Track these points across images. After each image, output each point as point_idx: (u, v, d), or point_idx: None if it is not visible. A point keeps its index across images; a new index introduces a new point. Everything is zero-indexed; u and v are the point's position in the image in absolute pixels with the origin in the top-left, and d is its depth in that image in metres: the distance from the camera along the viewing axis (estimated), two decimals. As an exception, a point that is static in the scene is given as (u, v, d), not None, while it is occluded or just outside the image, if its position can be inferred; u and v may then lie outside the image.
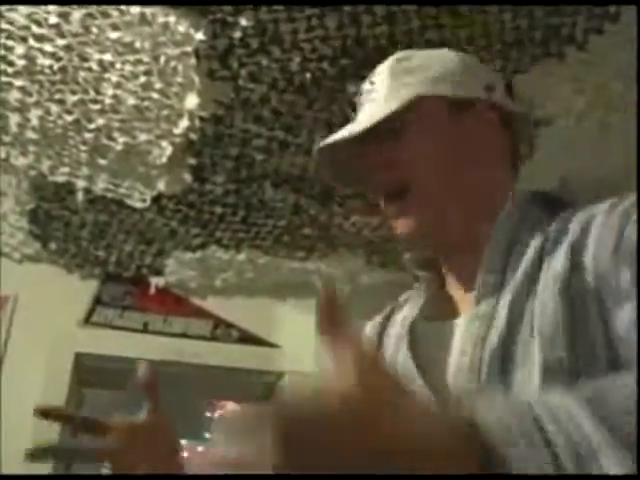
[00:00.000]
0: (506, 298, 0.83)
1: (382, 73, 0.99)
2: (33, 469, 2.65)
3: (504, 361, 0.79)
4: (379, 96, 0.97)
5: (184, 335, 3.09)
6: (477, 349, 0.81)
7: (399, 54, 1.01)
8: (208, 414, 6.02)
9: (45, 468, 2.67)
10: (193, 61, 1.99)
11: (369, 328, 1.10)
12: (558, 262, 0.81)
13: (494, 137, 0.97)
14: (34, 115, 2.24)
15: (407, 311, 1.03)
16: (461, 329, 0.88)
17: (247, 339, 3.14)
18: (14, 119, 2.26)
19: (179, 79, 2.05)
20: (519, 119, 1.01)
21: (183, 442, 7.16)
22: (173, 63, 2.00)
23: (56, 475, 2.60)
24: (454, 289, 0.99)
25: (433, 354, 0.90)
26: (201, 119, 2.20)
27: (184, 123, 2.19)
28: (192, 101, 2.10)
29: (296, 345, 3.19)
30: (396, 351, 0.98)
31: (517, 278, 0.84)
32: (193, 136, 2.26)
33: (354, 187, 1.12)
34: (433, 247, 1.00)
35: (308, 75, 2.02)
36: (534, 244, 0.86)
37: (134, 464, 1.07)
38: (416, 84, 0.95)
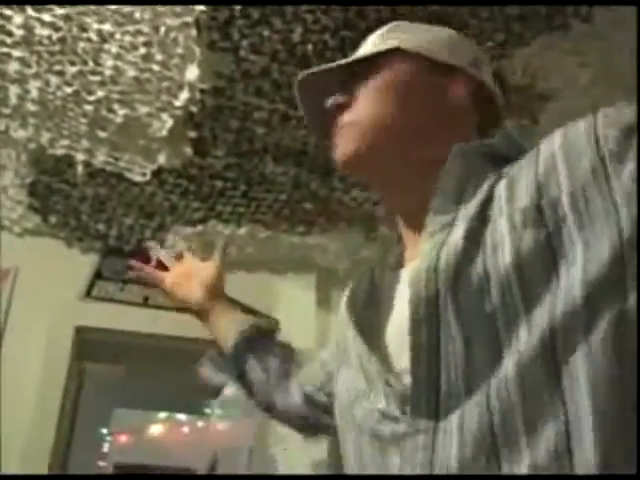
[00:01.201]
0: (456, 231, 0.80)
1: (372, 36, 1.05)
2: (31, 469, 2.67)
3: (454, 291, 0.76)
4: (363, 49, 1.03)
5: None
6: (428, 280, 0.78)
7: (393, 23, 1.06)
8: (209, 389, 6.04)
9: (45, 468, 2.69)
10: (194, 32, 1.97)
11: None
12: (515, 193, 0.78)
13: (460, 110, 0.97)
14: (33, 87, 2.22)
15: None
16: (406, 272, 0.89)
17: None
18: (13, 91, 2.24)
19: (179, 50, 2.03)
20: (493, 109, 1.01)
21: (183, 417, 7.22)
22: (173, 34, 1.98)
23: (56, 475, 2.61)
24: (406, 238, 1.00)
25: (376, 311, 0.93)
26: (202, 91, 2.18)
27: (184, 95, 2.18)
28: (193, 73, 2.08)
29: (296, 319, 3.19)
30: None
31: (466, 215, 0.81)
32: (193, 109, 2.25)
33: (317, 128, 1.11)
34: (369, 181, 1.05)
35: (310, 47, 2.00)
36: (486, 184, 0.84)
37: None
38: (399, 38, 0.99)
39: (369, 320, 0.93)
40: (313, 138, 2.40)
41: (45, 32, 2.00)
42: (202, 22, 1.94)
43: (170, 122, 2.30)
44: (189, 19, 1.93)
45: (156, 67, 2.09)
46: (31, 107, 2.31)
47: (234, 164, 2.56)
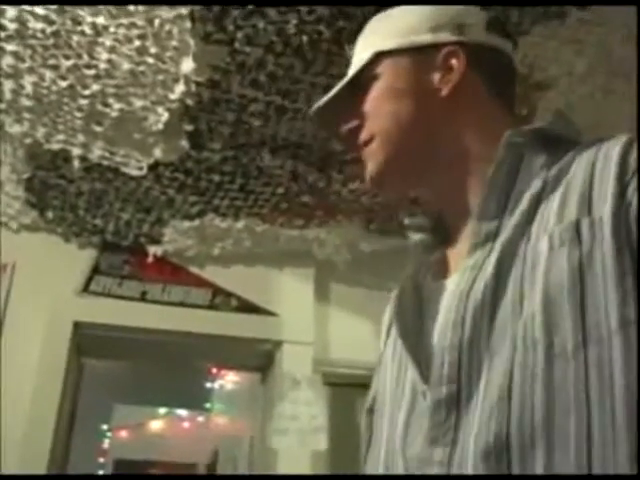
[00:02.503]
0: (497, 247, 0.80)
1: (357, 43, 1.03)
2: (30, 465, 2.66)
3: (490, 315, 0.76)
4: (353, 58, 1.02)
5: (182, 304, 3.08)
6: (462, 302, 0.79)
7: (378, 15, 1.03)
8: (208, 384, 6.05)
9: (44, 464, 2.69)
10: (188, 24, 1.95)
11: (388, 309, 1.08)
12: (560, 210, 0.77)
13: (462, 83, 0.94)
14: (28, 81, 2.21)
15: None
16: (451, 284, 0.86)
17: (246, 307, 3.14)
18: (8, 85, 2.23)
19: (174, 43, 2.02)
20: (497, 63, 0.97)
21: (183, 412, 7.22)
22: (168, 26, 1.97)
23: (56, 475, 2.61)
24: (450, 247, 0.96)
25: (420, 319, 0.90)
26: (197, 84, 2.17)
27: (180, 88, 2.16)
28: (188, 65, 2.07)
29: (295, 313, 3.19)
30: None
31: (509, 226, 0.80)
32: (189, 101, 2.24)
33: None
34: (399, 194, 1.07)
35: (305, 38, 1.99)
36: (531, 190, 0.82)
37: None
38: (376, 42, 0.97)
39: (416, 333, 0.90)
40: (310, 130, 2.39)
41: (39, 25, 1.99)
42: (196, 14, 1.92)
43: (166, 115, 2.29)
44: (183, 11, 1.91)
45: (151, 60, 2.08)
46: (26, 102, 2.29)
47: (231, 157, 2.55)
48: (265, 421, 3.17)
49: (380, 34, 0.99)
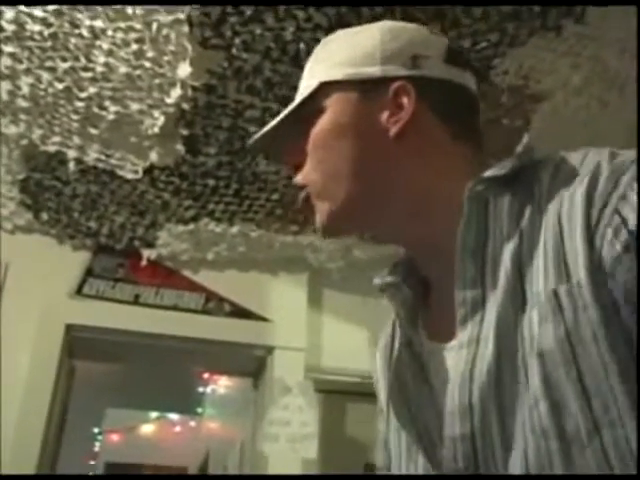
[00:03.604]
0: (490, 318, 0.73)
1: (305, 68, 0.95)
2: (19, 468, 2.66)
3: (497, 399, 0.71)
4: (300, 84, 0.94)
5: (175, 308, 3.08)
6: (465, 387, 0.73)
7: (325, 39, 0.94)
8: (200, 389, 6.04)
9: (33, 467, 2.68)
10: (186, 29, 1.96)
11: (380, 345, 1.02)
12: (544, 271, 0.71)
13: (412, 122, 0.84)
14: (25, 83, 2.21)
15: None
16: (450, 359, 0.80)
17: (239, 313, 3.14)
18: (4, 87, 2.23)
19: (171, 47, 2.02)
20: (457, 88, 0.88)
21: (175, 416, 7.21)
22: (165, 31, 1.97)
23: (56, 475, 2.60)
24: (434, 298, 0.89)
25: (419, 383, 0.85)
26: (194, 89, 2.18)
27: (176, 92, 2.17)
28: (185, 70, 2.07)
29: (288, 319, 3.19)
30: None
31: (498, 292, 0.73)
32: (185, 106, 2.24)
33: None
34: (361, 232, 0.96)
35: (302, 45, 1.99)
36: (510, 246, 0.74)
37: None
38: (321, 72, 0.89)
39: (417, 404, 0.85)
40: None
41: (36, 28, 1.99)
42: (194, 19, 1.93)
43: (162, 119, 2.29)
44: (181, 15, 1.92)
45: (148, 64, 2.08)
46: (22, 103, 2.30)
47: (226, 162, 2.55)
48: (256, 426, 3.17)
49: (328, 62, 0.89)
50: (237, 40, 2.00)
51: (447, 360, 0.80)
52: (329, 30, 1.94)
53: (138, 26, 1.97)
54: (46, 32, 2.00)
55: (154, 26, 1.96)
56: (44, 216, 2.92)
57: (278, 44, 2.00)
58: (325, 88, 0.87)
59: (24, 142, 2.49)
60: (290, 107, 0.89)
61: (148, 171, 2.59)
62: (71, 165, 2.56)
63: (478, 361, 0.73)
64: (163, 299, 3.08)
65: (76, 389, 3.33)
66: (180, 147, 2.46)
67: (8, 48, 2.07)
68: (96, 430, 7.05)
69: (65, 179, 2.69)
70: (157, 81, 2.14)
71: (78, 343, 3.01)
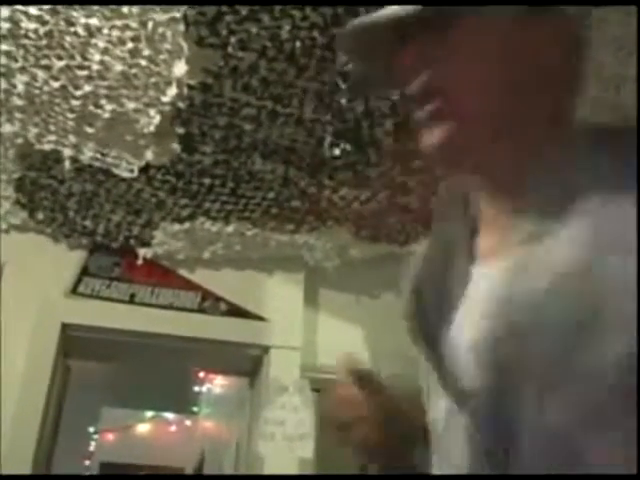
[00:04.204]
0: (547, 258, 0.71)
1: None
2: (13, 468, 2.65)
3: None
4: None
5: (171, 307, 3.07)
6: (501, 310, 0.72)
7: None
8: (196, 388, 6.04)
9: (28, 466, 2.67)
10: (182, 27, 1.95)
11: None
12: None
13: (568, 56, 0.79)
14: (20, 81, 2.20)
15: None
16: (485, 282, 0.77)
17: (235, 312, 3.13)
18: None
19: (167, 46, 2.02)
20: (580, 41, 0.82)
21: (170, 415, 7.20)
22: (161, 29, 1.97)
23: (56, 475, 2.59)
24: (486, 218, 0.84)
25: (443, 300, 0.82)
26: (189, 87, 2.17)
27: (172, 91, 2.16)
28: (180, 68, 2.07)
29: (283, 318, 3.18)
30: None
31: (565, 238, 0.71)
32: (181, 105, 2.24)
33: (373, 70, 0.91)
34: (465, 169, 0.85)
35: (298, 43, 1.99)
36: (587, 205, 0.72)
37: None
38: None
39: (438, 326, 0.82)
40: (302, 135, 2.39)
41: (32, 26, 1.98)
42: (190, 18, 1.92)
43: (158, 118, 2.29)
44: (177, 14, 1.91)
45: (144, 62, 2.07)
46: (18, 101, 2.29)
47: (222, 161, 2.55)
48: (252, 426, 3.16)
49: None
50: (233, 39, 1.99)
51: (482, 280, 0.78)
52: (325, 29, 1.94)
53: (134, 24, 1.96)
54: (41, 30, 2.00)
55: (150, 24, 1.95)
56: (39, 215, 2.92)
57: (274, 43, 2.00)
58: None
59: (19, 141, 2.48)
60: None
61: (144, 170, 2.59)
62: (67, 164, 2.55)
63: (521, 285, 0.72)
64: (159, 298, 3.07)
65: (72, 388, 3.32)
66: (176, 146, 2.45)
67: (3, 46, 2.06)
68: (91, 429, 7.04)
69: (61, 178, 2.69)
70: (153, 80, 2.14)
71: (74, 342, 3.01)
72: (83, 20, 1.96)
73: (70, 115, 2.33)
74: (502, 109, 0.78)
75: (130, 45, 2.02)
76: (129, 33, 1.99)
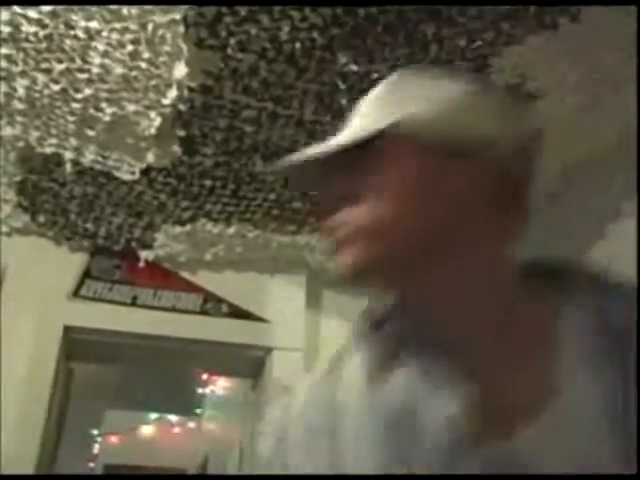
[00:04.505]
0: None
1: (373, 92, 0.86)
2: (16, 470, 2.66)
3: None
4: (361, 116, 0.85)
5: (173, 309, 3.07)
6: None
7: (399, 72, 0.87)
8: (199, 390, 6.04)
9: (31, 469, 2.67)
10: (181, 29, 1.96)
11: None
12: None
13: (497, 200, 0.79)
14: (20, 85, 2.21)
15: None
16: None
17: (237, 314, 3.13)
18: (0, 89, 2.23)
19: (167, 48, 2.02)
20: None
21: (174, 417, 7.20)
22: (161, 31, 1.97)
23: (56, 475, 2.59)
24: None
25: None
26: (190, 89, 2.17)
27: (173, 93, 2.16)
28: (181, 70, 2.07)
29: (286, 320, 3.18)
30: None
31: None
32: (182, 107, 2.24)
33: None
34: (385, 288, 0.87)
35: (298, 45, 1.99)
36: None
37: None
38: (401, 114, 0.79)
39: None
40: (303, 136, 2.39)
41: (32, 29, 1.99)
42: (190, 19, 1.92)
43: (158, 120, 2.29)
44: (177, 16, 1.92)
45: (144, 65, 2.08)
46: (18, 105, 2.29)
47: (223, 163, 2.55)
48: (255, 427, 3.16)
49: (406, 101, 0.81)
50: (232, 40, 1.99)
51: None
52: (324, 30, 1.95)
53: (133, 27, 1.97)
54: (41, 33, 2.00)
55: (150, 27, 1.96)
56: (41, 218, 2.92)
57: (274, 44, 2.00)
58: (403, 126, 0.78)
59: (20, 144, 2.49)
60: (353, 136, 0.80)
61: (145, 172, 2.59)
62: (68, 167, 2.56)
63: None
64: (161, 300, 3.07)
65: (75, 391, 3.32)
66: (177, 148, 2.45)
67: (3, 50, 2.06)
68: (95, 432, 7.05)
69: (62, 181, 2.69)
70: (153, 82, 2.14)
71: (76, 345, 3.01)
72: (83, 23, 1.96)
73: (71, 118, 2.33)
74: (419, 242, 0.78)
75: (130, 48, 2.03)
76: (129, 36, 1.99)
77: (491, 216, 0.79)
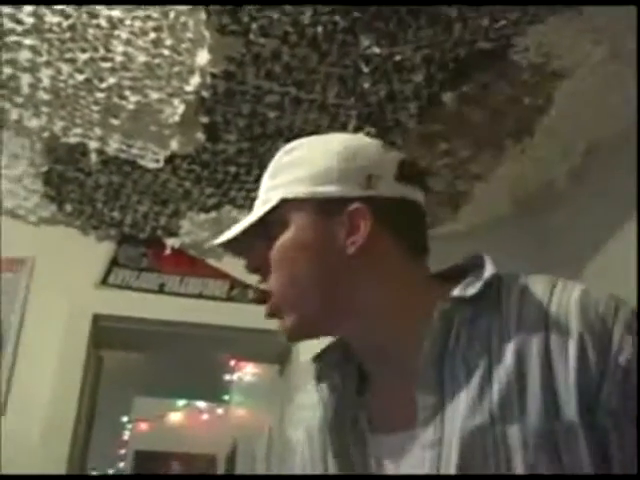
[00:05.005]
0: (452, 426, 0.79)
1: (267, 170, 0.98)
2: (51, 457, 2.69)
3: None
4: (259, 197, 0.96)
5: (200, 296, 3.09)
6: None
7: (285, 147, 0.98)
8: (227, 376, 6.08)
9: (65, 456, 2.71)
10: (203, 16, 1.96)
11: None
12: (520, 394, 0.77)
13: (368, 243, 0.87)
14: (45, 75, 2.23)
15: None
16: (413, 460, 0.83)
17: (263, 299, 3.14)
18: (25, 79, 2.25)
19: (189, 35, 2.02)
20: (409, 205, 0.92)
21: (202, 404, 7.26)
22: (183, 18, 1.98)
23: (57, 475, 2.63)
24: (373, 394, 0.93)
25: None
26: (212, 76, 2.18)
27: (195, 80, 2.17)
28: (203, 57, 2.07)
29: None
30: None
31: (460, 405, 0.79)
32: (205, 93, 2.24)
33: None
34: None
35: (320, 28, 1.99)
36: (474, 361, 0.81)
37: None
38: (284, 186, 0.91)
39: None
40: (326, 120, 2.39)
41: (55, 19, 2.00)
42: (211, 5, 1.93)
43: (182, 108, 2.30)
44: (198, 3, 1.92)
45: (166, 52, 2.08)
46: (43, 96, 2.31)
47: (247, 149, 2.55)
48: (283, 413, 3.18)
49: (289, 176, 0.92)
50: (254, 25, 1.99)
51: (405, 455, 0.84)
52: (346, 13, 1.94)
53: (155, 14, 1.97)
54: (65, 24, 2.01)
55: (171, 14, 1.96)
56: (68, 208, 2.94)
57: (296, 28, 2.00)
58: (286, 202, 0.90)
59: (46, 134, 2.51)
60: (251, 218, 0.92)
61: (169, 160, 2.60)
62: (93, 156, 2.58)
63: (443, 463, 0.78)
64: (188, 287, 3.09)
65: (104, 378, 3.36)
66: (200, 135, 2.46)
67: (28, 41, 2.08)
68: (125, 419, 7.13)
69: (87, 170, 2.71)
70: (176, 69, 2.15)
71: (105, 333, 3.04)
72: (105, 12, 1.97)
73: (95, 107, 2.35)
74: (320, 295, 0.89)
75: (152, 35, 2.03)
76: (151, 23, 2.00)
77: (369, 258, 0.89)
